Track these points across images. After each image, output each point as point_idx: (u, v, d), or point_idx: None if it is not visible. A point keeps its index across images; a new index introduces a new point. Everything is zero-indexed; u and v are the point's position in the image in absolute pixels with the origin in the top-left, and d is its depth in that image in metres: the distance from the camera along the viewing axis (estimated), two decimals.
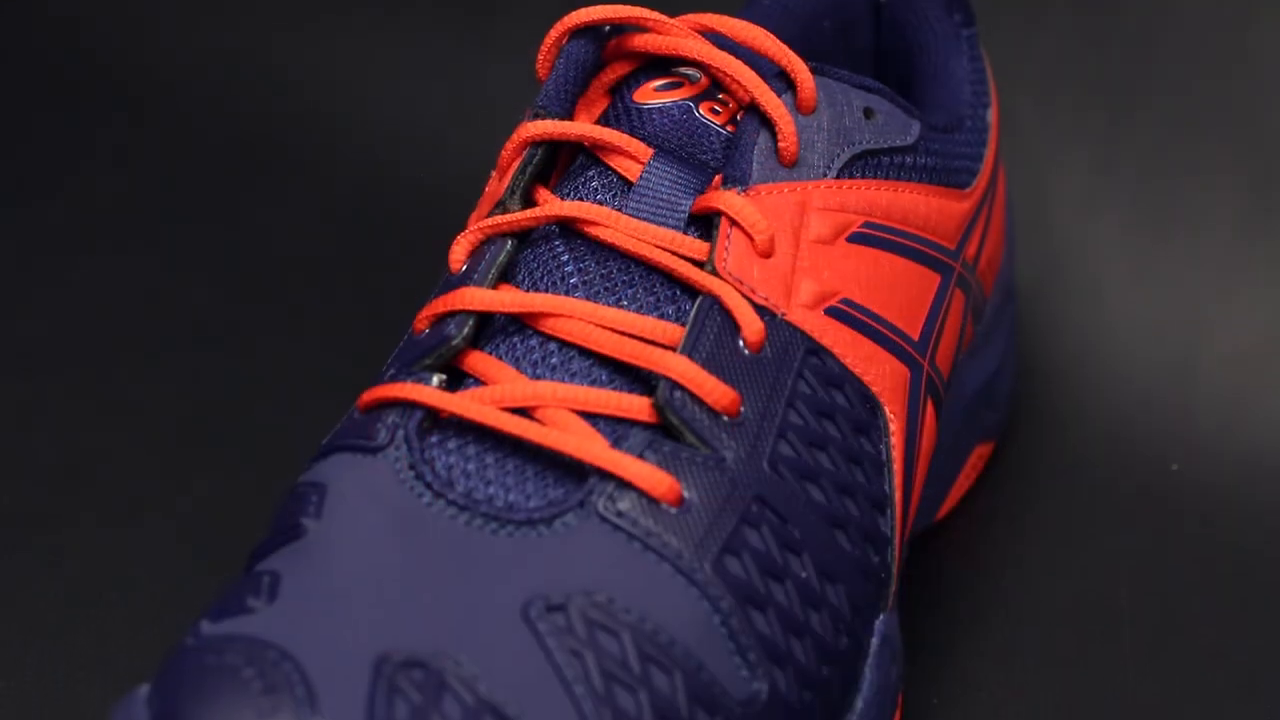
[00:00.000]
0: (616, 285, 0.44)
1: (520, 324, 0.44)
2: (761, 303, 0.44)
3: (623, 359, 0.43)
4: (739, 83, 0.46)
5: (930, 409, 0.49)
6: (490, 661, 0.39)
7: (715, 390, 0.43)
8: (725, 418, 0.43)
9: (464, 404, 0.43)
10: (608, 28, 0.47)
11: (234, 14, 0.77)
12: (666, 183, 0.45)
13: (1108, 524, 0.56)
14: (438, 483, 0.42)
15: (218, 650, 0.39)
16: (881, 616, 0.45)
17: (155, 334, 0.63)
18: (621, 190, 0.46)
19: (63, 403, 0.60)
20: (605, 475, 0.42)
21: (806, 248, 0.46)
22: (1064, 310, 0.64)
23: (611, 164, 0.46)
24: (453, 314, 0.44)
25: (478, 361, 0.44)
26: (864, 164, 0.47)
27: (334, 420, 0.47)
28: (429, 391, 0.43)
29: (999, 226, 0.55)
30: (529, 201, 0.46)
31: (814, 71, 0.47)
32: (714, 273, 0.44)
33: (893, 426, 0.46)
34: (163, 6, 0.78)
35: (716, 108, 0.47)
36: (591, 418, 0.43)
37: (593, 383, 0.43)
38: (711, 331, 0.44)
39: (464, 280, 0.45)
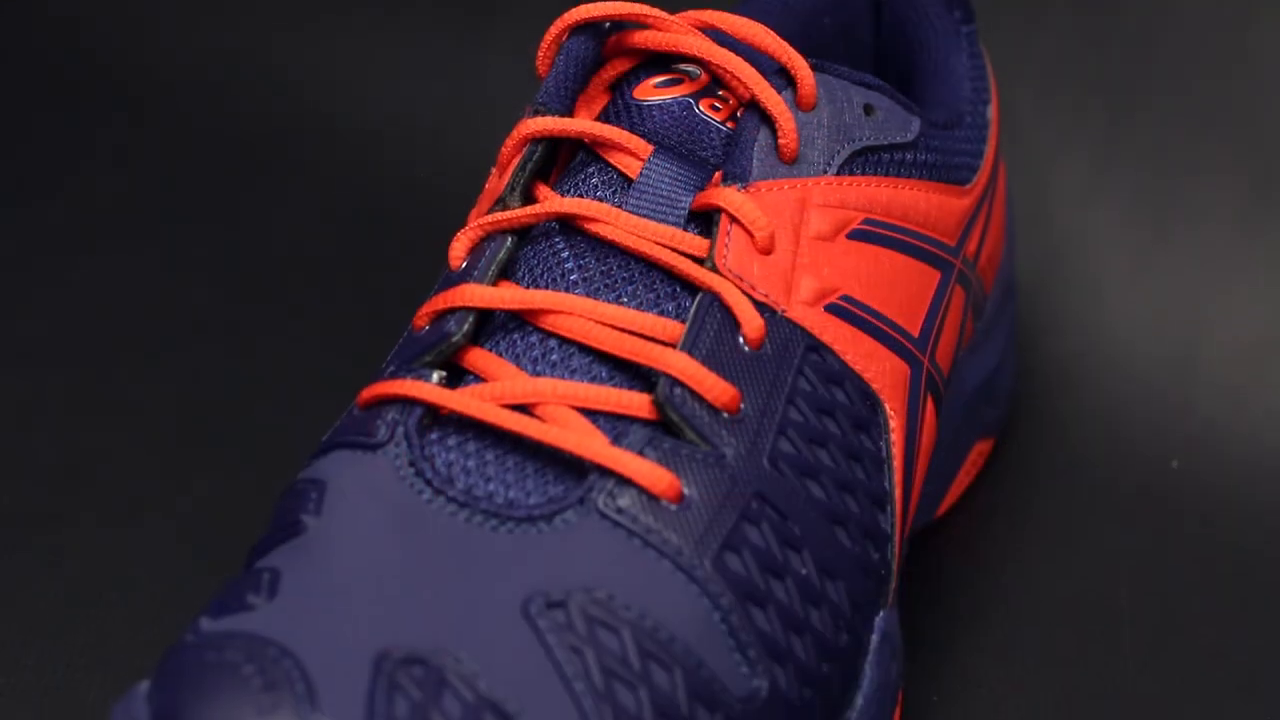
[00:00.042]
0: (616, 282, 0.44)
1: (520, 321, 0.44)
2: (761, 299, 0.44)
3: (623, 356, 0.43)
4: (739, 79, 0.46)
5: (930, 406, 0.49)
6: (490, 658, 0.39)
7: (715, 387, 0.43)
8: (725, 414, 0.43)
9: (464, 401, 0.43)
10: (608, 24, 0.47)
11: (234, 14, 0.77)
12: (666, 179, 0.45)
13: (1108, 520, 0.56)
14: (438, 479, 0.42)
15: (218, 647, 0.39)
16: (881, 613, 0.45)
17: (155, 333, 0.63)
18: (621, 187, 0.46)
19: (63, 402, 0.60)
20: (605, 472, 0.42)
21: (806, 244, 0.46)
22: (1064, 307, 0.64)
23: (612, 161, 0.46)
24: (453, 311, 0.44)
25: (478, 358, 0.44)
26: (864, 161, 0.47)
27: (334, 419, 0.47)
28: (429, 388, 0.43)
29: (999, 223, 0.55)
30: (529, 198, 0.46)
31: (814, 68, 0.47)
32: (714, 269, 0.44)
33: (893, 423, 0.46)
34: (163, 6, 0.78)
35: (716, 104, 0.47)
36: (591, 414, 0.43)
37: (593, 379, 0.43)
38: (711, 328, 0.44)
39: (464, 277, 0.45)
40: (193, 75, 0.76)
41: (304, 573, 0.41)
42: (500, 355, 0.44)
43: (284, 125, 0.74)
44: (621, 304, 0.44)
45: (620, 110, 0.47)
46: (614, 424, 0.43)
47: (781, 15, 0.52)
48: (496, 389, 0.43)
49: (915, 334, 0.48)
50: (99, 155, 0.72)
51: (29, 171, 0.72)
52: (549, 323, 0.44)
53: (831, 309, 0.46)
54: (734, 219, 0.45)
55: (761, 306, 0.44)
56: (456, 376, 0.44)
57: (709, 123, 0.46)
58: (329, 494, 0.43)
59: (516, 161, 0.46)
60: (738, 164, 0.45)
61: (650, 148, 0.46)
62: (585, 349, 0.44)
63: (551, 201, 0.45)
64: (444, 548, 0.41)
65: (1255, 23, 0.68)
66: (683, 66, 0.47)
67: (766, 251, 0.45)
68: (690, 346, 0.43)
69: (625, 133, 0.46)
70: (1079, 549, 0.55)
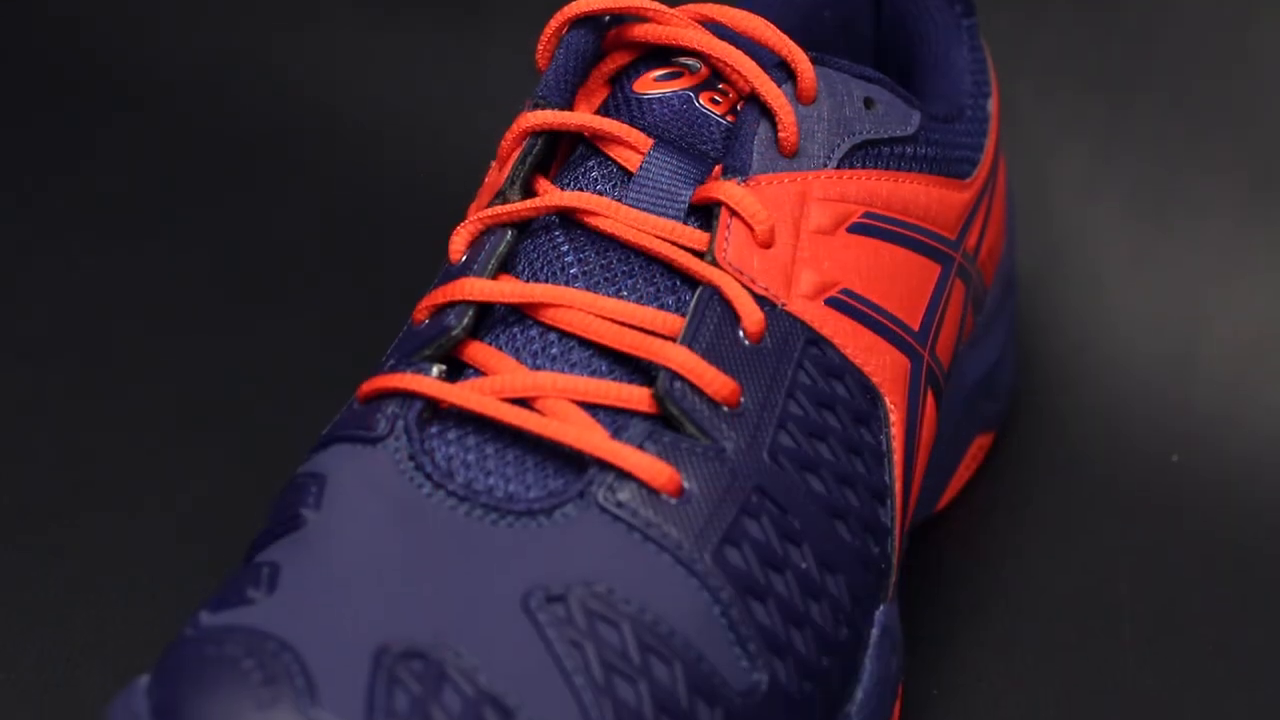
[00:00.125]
0: (616, 275, 0.44)
1: (520, 314, 0.44)
2: (761, 293, 0.44)
3: (623, 349, 0.43)
4: (739, 73, 0.46)
5: (930, 399, 0.49)
6: (490, 652, 0.39)
7: (715, 381, 0.43)
8: (725, 408, 0.43)
9: (464, 394, 0.43)
10: (607, 18, 0.47)
11: (234, 14, 0.77)
12: (666, 173, 0.45)
13: (1108, 515, 0.56)
14: (437, 473, 0.42)
15: (217, 641, 0.39)
16: (882, 607, 0.45)
17: (155, 331, 0.63)
18: (621, 180, 0.46)
19: (63, 399, 0.60)
20: (605, 466, 0.42)
21: (807, 238, 0.46)
22: (1064, 301, 0.64)
23: (611, 154, 0.46)
24: (452, 304, 0.44)
25: (477, 352, 0.44)
26: (864, 154, 0.47)
27: (334, 415, 0.47)
28: (429, 382, 0.43)
29: (999, 217, 0.55)
30: (529, 192, 0.46)
31: (814, 61, 0.47)
32: (714, 263, 0.44)
33: (893, 417, 0.46)
34: (163, 6, 0.78)
35: (716, 98, 0.47)
36: (591, 408, 0.43)
37: (593, 373, 0.43)
38: (711, 322, 0.44)
39: (464, 271, 0.45)
40: (193, 75, 0.76)
41: (304, 567, 0.41)
42: (500, 349, 0.44)
43: (283, 122, 0.74)
44: (621, 298, 0.44)
45: (620, 104, 0.47)
46: (614, 418, 0.43)
47: (782, 9, 0.53)
48: (496, 383, 0.43)
49: (915, 328, 0.48)
50: (99, 155, 0.72)
51: (29, 171, 0.72)
52: (549, 316, 0.44)
53: (831, 302, 0.46)
54: (734, 212, 0.45)
55: (761, 300, 0.44)
56: (456, 370, 0.44)
57: (709, 116, 0.46)
58: (329, 488, 0.43)
59: (516, 155, 0.46)
60: (738, 157, 0.45)
61: (650, 141, 0.46)
62: (585, 343, 0.44)
63: (551, 195, 0.45)
64: (444, 541, 0.41)
65: (1255, 18, 0.68)
66: (683, 60, 0.47)
67: (766, 245, 0.45)
68: (690, 340, 0.43)
69: (625, 126, 0.46)
70: (1079, 543, 0.55)
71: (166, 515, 0.55)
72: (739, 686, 0.41)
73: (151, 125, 0.74)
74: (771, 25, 0.47)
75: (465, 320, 0.44)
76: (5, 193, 0.71)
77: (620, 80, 0.47)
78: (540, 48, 0.47)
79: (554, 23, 0.47)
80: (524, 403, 0.43)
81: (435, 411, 0.43)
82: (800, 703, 0.42)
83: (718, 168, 0.46)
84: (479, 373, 0.44)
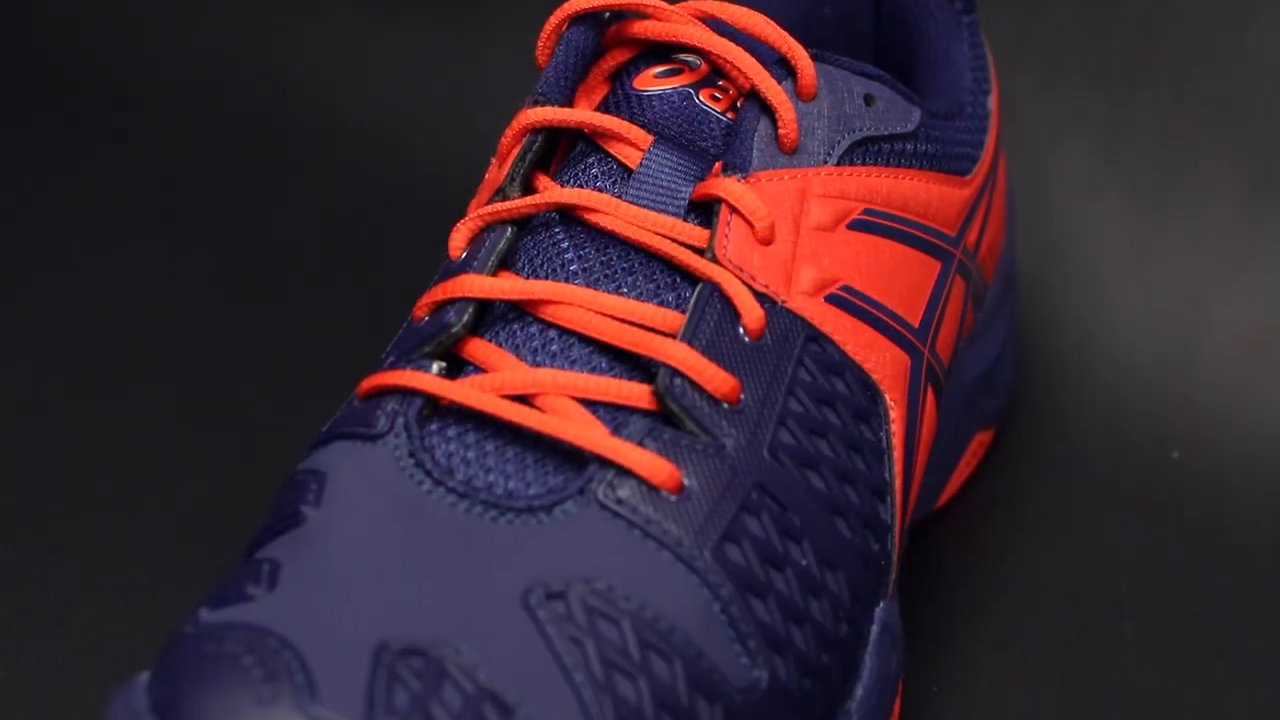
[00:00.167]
0: (616, 272, 0.44)
1: (520, 311, 0.44)
2: (762, 290, 0.44)
3: (623, 346, 0.43)
4: (739, 69, 0.46)
5: (930, 396, 0.49)
6: (490, 649, 0.39)
7: (715, 378, 0.43)
8: (725, 405, 0.43)
9: (464, 391, 0.43)
10: (607, 14, 0.47)
11: (234, 13, 0.77)
12: (666, 170, 0.45)
13: (1108, 512, 0.56)
14: (437, 470, 0.42)
15: (217, 638, 0.39)
16: (882, 604, 0.45)
17: (155, 332, 0.63)
18: (621, 177, 0.46)
19: (63, 398, 0.60)
20: (605, 463, 0.42)
21: (807, 235, 0.46)
22: (1064, 297, 0.64)
23: (611, 151, 0.46)
24: (452, 301, 0.44)
25: (477, 349, 0.44)
26: (864, 151, 0.47)
27: (334, 415, 0.47)
28: (429, 379, 0.43)
29: (999, 213, 0.55)
30: (529, 189, 0.46)
31: (814, 58, 0.47)
32: (714, 260, 0.44)
33: (893, 414, 0.46)
34: (162, 6, 0.78)
35: (717, 94, 0.47)
36: (591, 405, 0.43)
37: (593, 370, 0.43)
38: (711, 319, 0.44)
39: (464, 267, 0.45)
40: (193, 75, 0.76)
41: (304, 564, 0.41)
42: (500, 346, 0.44)
43: (283, 122, 0.74)
44: (621, 294, 0.44)
45: (620, 100, 0.46)
46: (614, 414, 0.43)
47: (781, 5, 0.53)
48: (496, 379, 0.43)
49: (915, 324, 0.48)
50: (99, 155, 0.72)
51: (29, 171, 0.72)
52: (549, 313, 0.44)
53: (832, 299, 0.46)
54: (734, 209, 0.45)
55: (761, 297, 0.44)
56: (456, 367, 0.44)
57: (709, 113, 0.46)
58: (329, 485, 0.42)
59: (516, 152, 0.46)
60: (738, 154, 0.45)
61: (650, 138, 0.46)
62: (585, 339, 0.44)
63: (551, 192, 0.45)
64: (444, 539, 0.41)
65: (1256, 16, 0.68)
66: (683, 56, 0.47)
67: (766, 242, 0.45)
68: (690, 337, 0.43)
69: (625, 123, 0.46)
70: (1079, 540, 0.55)
71: (166, 515, 0.55)
72: (739, 683, 0.41)
73: (151, 125, 0.74)
74: (771, 22, 0.47)
75: (465, 317, 0.44)
76: (5, 193, 0.71)
77: (620, 77, 0.47)
78: (540, 44, 0.47)
79: (554, 19, 0.47)
80: (524, 400, 0.43)
81: (435, 408, 0.43)
82: (800, 700, 0.42)
83: (718, 164, 0.46)
84: (479, 370, 0.44)
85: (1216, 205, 0.65)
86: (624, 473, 0.42)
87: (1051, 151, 0.67)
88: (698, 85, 0.47)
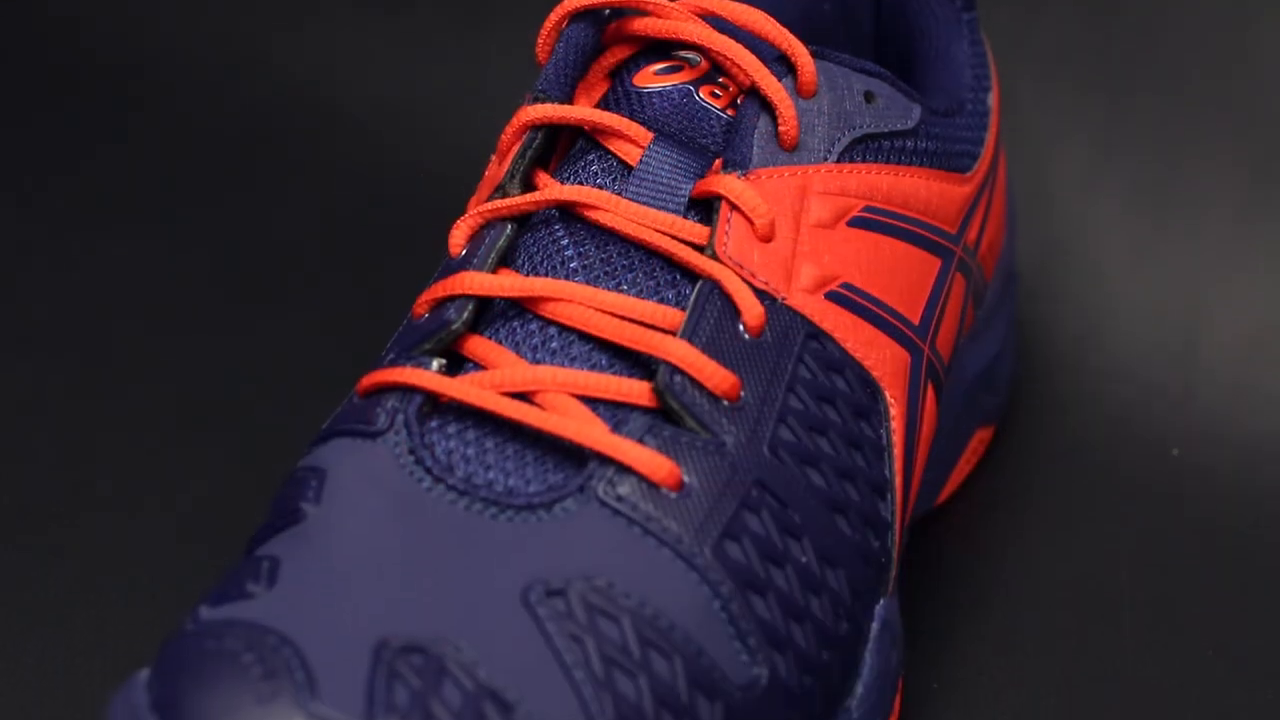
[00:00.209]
0: (616, 269, 0.44)
1: (520, 308, 0.44)
2: (762, 287, 0.44)
3: (623, 343, 0.43)
4: (739, 66, 0.46)
5: (931, 393, 0.49)
6: (490, 646, 0.39)
7: (715, 375, 0.43)
8: (725, 402, 0.43)
9: (464, 388, 0.43)
10: (607, 11, 0.47)
11: (234, 14, 0.77)
12: (666, 167, 0.45)
13: (1108, 508, 0.56)
14: (437, 467, 0.42)
15: (217, 635, 0.39)
16: (882, 601, 0.45)
17: (155, 332, 0.63)
18: (621, 174, 0.46)
19: (63, 397, 0.60)
20: (605, 460, 0.42)
21: (807, 232, 0.46)
22: (1064, 294, 0.64)
23: (611, 148, 0.46)
24: (452, 298, 0.44)
25: (477, 346, 0.44)
26: (864, 148, 0.47)
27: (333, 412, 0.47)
28: (428, 376, 0.43)
29: (1000, 211, 0.55)
30: (529, 185, 0.46)
31: (814, 55, 0.47)
32: (714, 257, 0.44)
33: (893, 411, 0.46)
34: (162, 6, 0.78)
35: (717, 91, 0.47)
36: (591, 402, 0.43)
37: (593, 367, 0.43)
38: (711, 316, 0.44)
39: (463, 264, 0.45)
40: (193, 75, 0.76)
41: (303, 561, 0.41)
42: (500, 343, 0.44)
43: (283, 122, 0.74)
44: (621, 291, 0.44)
45: (620, 97, 0.46)
46: (614, 412, 0.43)
47: (781, 2, 0.52)
48: (496, 377, 0.43)
49: (916, 321, 0.48)
50: (99, 155, 0.72)
51: (29, 171, 0.72)
52: (549, 310, 0.44)
53: (832, 296, 0.46)
54: (734, 206, 0.45)
55: (762, 294, 0.44)
56: (456, 364, 0.44)
57: (709, 110, 0.46)
58: (329, 482, 0.42)
59: (516, 149, 0.46)
60: (738, 151, 0.45)
61: (650, 135, 0.46)
62: (585, 336, 0.44)
63: (551, 189, 0.45)
64: (444, 536, 0.41)
65: (1256, 13, 0.68)
66: (683, 53, 0.47)
67: (767, 239, 0.45)
68: (690, 334, 0.43)
69: (625, 120, 0.46)
70: (1079, 536, 0.55)
71: (166, 515, 0.55)
72: (739, 681, 0.41)
73: (151, 125, 0.74)
74: (771, 19, 0.47)
75: (465, 314, 0.44)
76: (5, 192, 0.71)
77: (620, 74, 0.47)
78: (540, 41, 0.47)
79: (554, 16, 0.47)
80: (524, 397, 0.43)
81: (435, 406, 0.43)
82: (800, 697, 0.42)
83: (718, 161, 0.46)
84: (479, 367, 0.44)
85: (1216, 202, 0.65)
86: (624, 470, 0.42)
87: (1052, 149, 0.67)
88: (698, 82, 0.47)
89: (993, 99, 0.54)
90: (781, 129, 0.46)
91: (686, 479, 0.42)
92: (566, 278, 0.44)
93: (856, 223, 0.47)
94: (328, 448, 0.44)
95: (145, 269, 0.66)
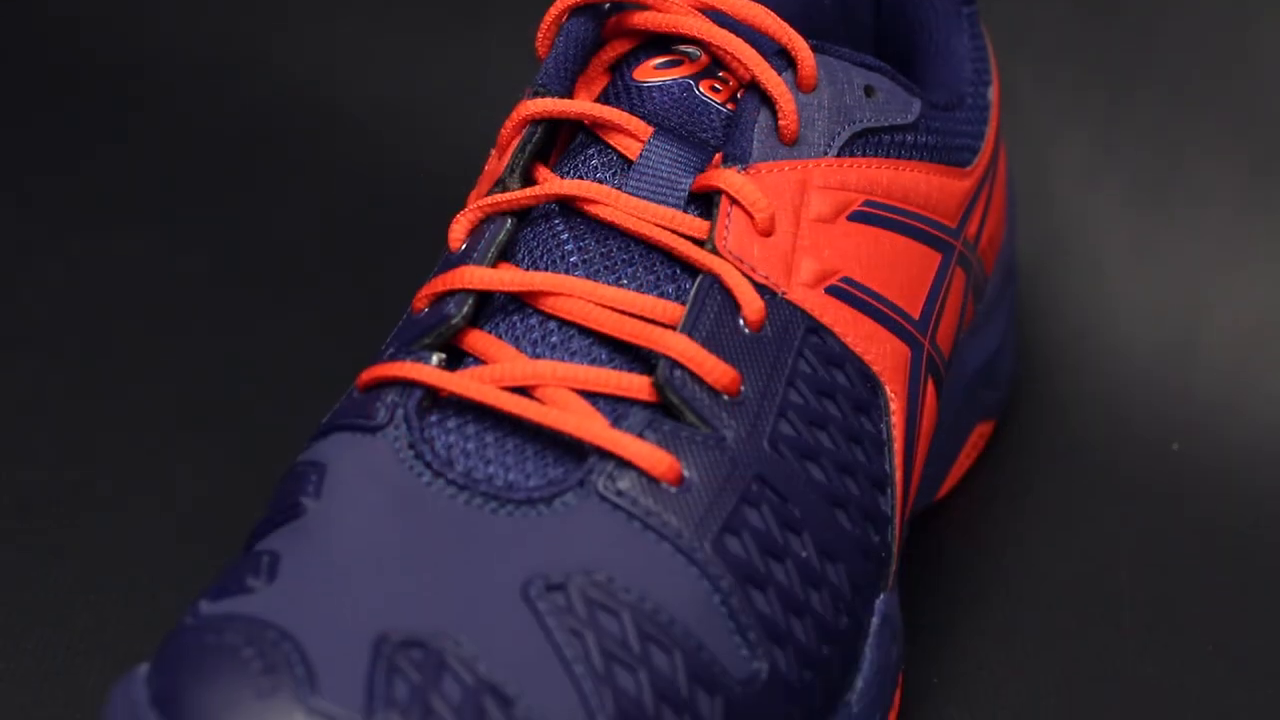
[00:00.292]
0: (616, 264, 0.44)
1: (520, 303, 0.44)
2: (762, 281, 0.44)
3: (623, 338, 0.43)
4: (739, 60, 0.46)
5: (931, 388, 0.49)
6: (490, 641, 0.39)
7: (715, 369, 0.43)
8: (725, 397, 0.43)
9: (463, 383, 0.43)
10: (607, 5, 0.47)
11: (234, 14, 0.77)
12: (666, 161, 0.45)
13: (1108, 503, 0.56)
14: (437, 462, 0.42)
15: (217, 630, 0.39)
16: (882, 596, 0.45)
17: (155, 331, 0.63)
18: (621, 168, 0.46)
19: (63, 395, 0.60)
20: (605, 454, 0.42)
21: (807, 226, 0.46)
22: (1065, 289, 0.64)
23: (611, 142, 0.46)
24: (452, 293, 0.44)
25: (477, 340, 0.44)
26: (865, 142, 0.47)
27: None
28: (428, 370, 0.43)
29: (1000, 205, 0.55)
30: (529, 180, 0.46)
31: (814, 49, 0.47)
32: (714, 251, 0.44)
33: (893, 405, 0.46)
34: (163, 6, 0.78)
35: (717, 85, 0.47)
36: (591, 397, 0.43)
37: (593, 362, 0.43)
38: (712, 310, 0.44)
39: (463, 259, 0.45)
40: (193, 75, 0.76)
41: (303, 555, 0.41)
42: (500, 337, 0.44)
43: (283, 122, 0.74)
44: (621, 286, 0.44)
45: (620, 92, 0.46)
46: (614, 406, 0.43)
47: None
48: (496, 371, 0.43)
49: (916, 316, 0.48)
50: (99, 155, 0.72)
51: (29, 171, 0.72)
52: (549, 305, 0.44)
53: (832, 291, 0.46)
54: (734, 201, 0.45)
55: (762, 288, 0.44)
56: (456, 359, 0.44)
57: (709, 104, 0.46)
58: (328, 476, 0.42)
59: (516, 143, 0.46)
60: (738, 145, 0.45)
61: (650, 129, 0.46)
62: (585, 331, 0.44)
63: (551, 183, 0.45)
64: (443, 530, 0.41)
65: (1256, 8, 0.68)
66: (683, 48, 0.47)
67: (767, 233, 0.45)
68: (690, 328, 0.43)
69: (625, 114, 0.46)
70: (1079, 531, 0.55)
71: (166, 515, 0.55)
72: (739, 675, 0.41)
73: (151, 125, 0.74)
74: (771, 13, 0.47)
75: (465, 309, 0.44)
76: (5, 192, 0.71)
77: (620, 68, 0.47)
78: (540, 35, 0.47)
79: (554, 10, 0.47)
80: (524, 391, 0.43)
81: (435, 400, 0.43)
82: (800, 691, 0.42)
83: (718, 156, 0.46)
84: (479, 361, 0.44)
85: (1217, 196, 0.65)
86: (624, 464, 0.42)
87: (1052, 143, 0.67)
88: (698, 76, 0.47)
89: (993, 93, 0.54)
90: (781, 123, 0.46)
91: (686, 473, 0.42)
92: (566, 272, 0.44)
93: (856, 217, 0.47)
94: (327, 442, 0.43)
95: (145, 269, 0.66)
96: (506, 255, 0.45)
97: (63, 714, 0.49)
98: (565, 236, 0.45)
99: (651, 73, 0.47)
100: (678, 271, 0.44)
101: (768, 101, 0.46)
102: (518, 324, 0.44)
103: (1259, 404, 0.60)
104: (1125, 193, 0.66)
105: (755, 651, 0.41)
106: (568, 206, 0.45)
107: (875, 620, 0.45)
